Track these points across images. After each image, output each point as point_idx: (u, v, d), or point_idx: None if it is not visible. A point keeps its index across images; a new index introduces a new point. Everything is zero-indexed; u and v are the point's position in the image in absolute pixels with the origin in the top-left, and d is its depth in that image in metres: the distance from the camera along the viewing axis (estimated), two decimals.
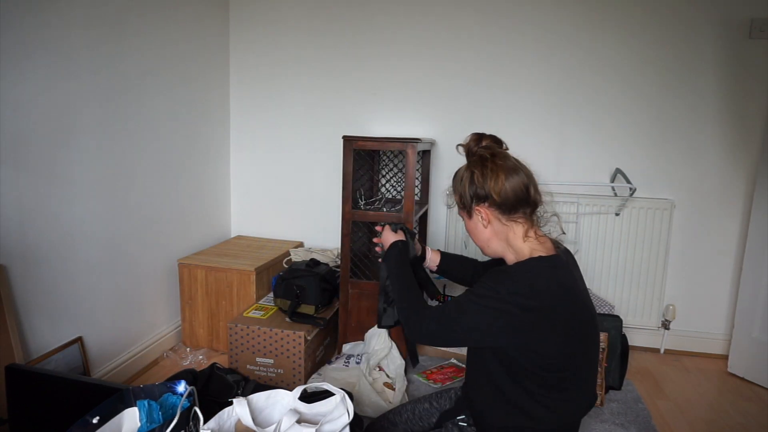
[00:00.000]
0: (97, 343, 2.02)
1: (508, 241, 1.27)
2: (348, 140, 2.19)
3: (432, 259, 1.62)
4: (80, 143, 1.88)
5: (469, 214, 1.31)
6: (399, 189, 2.71)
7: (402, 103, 2.74)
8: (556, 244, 1.29)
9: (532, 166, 2.80)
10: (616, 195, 2.54)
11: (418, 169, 2.68)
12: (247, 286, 2.37)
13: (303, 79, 2.83)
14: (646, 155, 2.53)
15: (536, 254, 1.22)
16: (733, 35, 2.38)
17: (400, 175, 2.69)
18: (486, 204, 1.26)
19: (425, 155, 2.67)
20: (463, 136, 2.81)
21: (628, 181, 2.47)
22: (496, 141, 1.35)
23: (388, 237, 1.50)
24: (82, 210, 1.91)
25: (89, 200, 1.94)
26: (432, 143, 2.69)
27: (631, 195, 2.47)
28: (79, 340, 1.91)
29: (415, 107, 2.74)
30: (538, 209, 1.30)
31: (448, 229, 2.71)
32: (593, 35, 2.50)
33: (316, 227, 2.92)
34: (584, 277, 2.58)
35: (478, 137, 1.35)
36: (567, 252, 1.31)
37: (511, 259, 1.28)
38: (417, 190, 2.69)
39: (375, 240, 1.58)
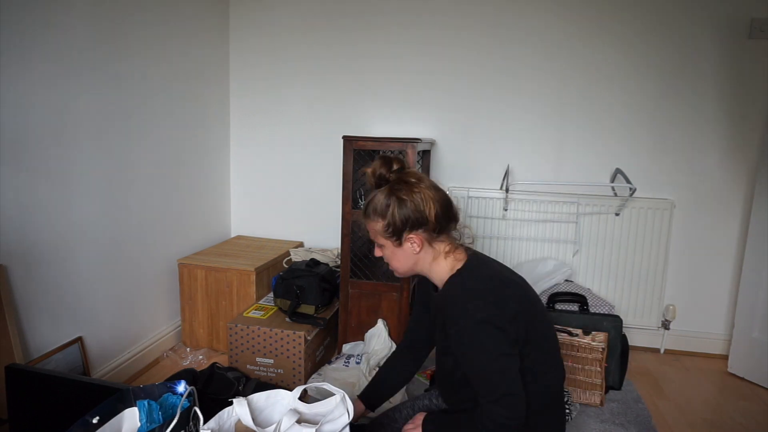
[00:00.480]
0: (97, 343, 2.02)
1: (433, 261, 1.26)
2: (348, 140, 2.19)
3: (357, 411, 1.47)
4: (80, 143, 1.88)
5: (399, 243, 1.24)
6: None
7: (402, 103, 2.74)
8: (464, 247, 1.29)
9: (532, 165, 2.80)
10: (616, 195, 2.54)
11: (417, 169, 2.68)
12: (247, 286, 2.37)
13: (303, 79, 2.83)
14: (646, 155, 2.53)
15: (456, 267, 1.23)
16: (733, 35, 2.38)
17: None
18: (421, 230, 1.22)
19: (425, 155, 2.67)
20: (464, 136, 2.83)
21: (628, 181, 2.47)
22: (402, 164, 1.28)
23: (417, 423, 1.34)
24: (82, 210, 1.91)
25: (89, 200, 1.94)
26: (432, 143, 2.69)
27: (631, 195, 2.47)
28: (79, 340, 1.91)
29: (415, 107, 2.73)
30: (458, 221, 1.29)
31: None
32: (593, 35, 2.50)
33: (316, 227, 2.92)
34: (584, 278, 2.60)
35: (387, 161, 1.27)
36: (478, 254, 1.31)
37: (436, 278, 1.27)
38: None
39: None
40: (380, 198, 1.24)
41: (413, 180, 1.23)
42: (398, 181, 1.24)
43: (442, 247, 1.25)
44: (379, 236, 1.27)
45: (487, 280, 1.21)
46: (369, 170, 1.28)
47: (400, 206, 1.21)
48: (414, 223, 1.21)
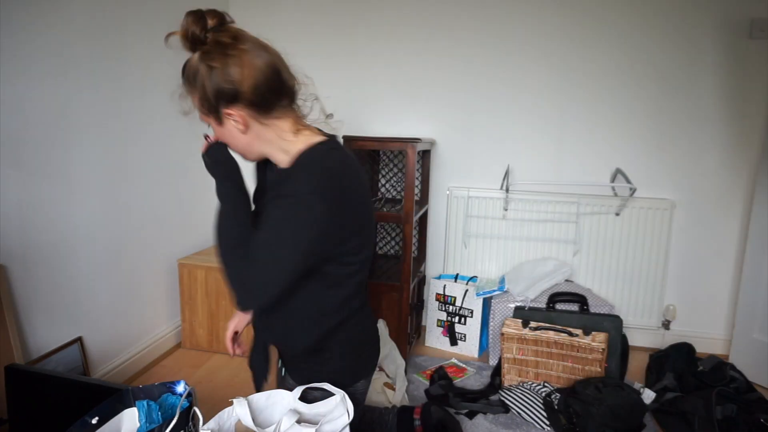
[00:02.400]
0: (97, 343, 2.02)
1: (277, 141, 1.07)
2: (348, 140, 2.19)
3: None
4: (80, 143, 1.88)
5: (219, 119, 1.05)
6: (399, 189, 2.71)
7: (402, 103, 2.74)
8: (324, 133, 1.12)
9: (532, 165, 2.80)
10: (616, 195, 2.54)
11: (418, 169, 2.67)
12: None
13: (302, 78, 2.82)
14: (646, 155, 2.53)
15: (314, 141, 1.05)
16: (733, 35, 2.37)
17: (400, 175, 2.70)
18: (238, 105, 1.00)
19: (425, 155, 2.67)
20: (464, 136, 2.83)
21: (628, 181, 2.46)
22: (221, 17, 1.02)
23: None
24: (82, 210, 1.91)
25: (89, 200, 1.94)
26: (432, 143, 2.69)
27: (631, 195, 2.47)
28: (79, 340, 1.92)
29: (415, 107, 2.73)
30: (297, 95, 1.08)
31: (448, 230, 2.71)
32: (593, 35, 2.50)
33: None
34: (584, 278, 2.59)
35: (199, 16, 0.98)
36: (336, 140, 1.11)
37: (283, 159, 1.08)
38: (417, 190, 2.69)
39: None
40: (191, 64, 1.01)
41: (228, 41, 0.98)
42: (212, 42, 0.98)
43: (285, 125, 1.06)
44: (201, 114, 1.08)
45: (338, 161, 1.03)
46: (179, 32, 0.99)
47: (210, 75, 0.97)
48: (228, 95, 0.98)
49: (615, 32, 2.48)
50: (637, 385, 2.05)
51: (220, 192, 1.15)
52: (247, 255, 1.01)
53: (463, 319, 2.50)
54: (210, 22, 0.99)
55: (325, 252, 1.03)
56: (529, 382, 2.12)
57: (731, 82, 2.41)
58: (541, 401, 1.96)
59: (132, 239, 2.19)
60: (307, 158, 1.02)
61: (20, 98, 1.63)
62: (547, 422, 1.86)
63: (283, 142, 1.06)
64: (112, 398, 1.09)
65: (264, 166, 1.22)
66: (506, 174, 2.57)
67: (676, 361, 2.19)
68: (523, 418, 1.91)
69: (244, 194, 1.14)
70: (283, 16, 2.79)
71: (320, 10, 2.75)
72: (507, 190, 2.57)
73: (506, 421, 1.92)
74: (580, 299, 2.28)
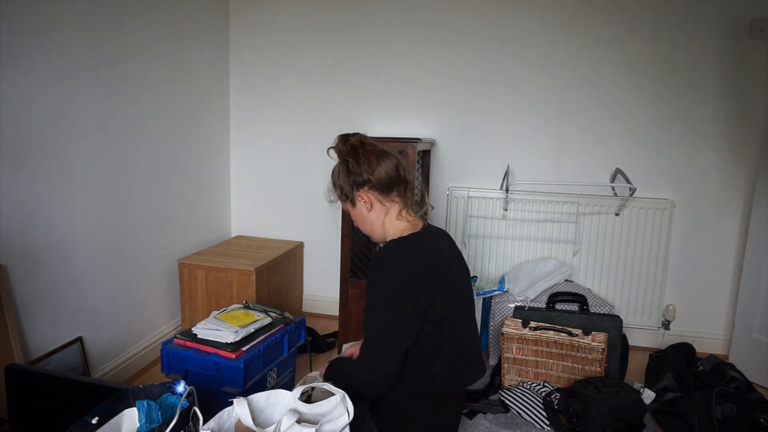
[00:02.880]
0: (97, 343, 2.02)
1: (386, 219, 1.38)
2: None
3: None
4: (80, 143, 1.88)
5: (353, 203, 1.39)
6: (412, 172, 2.70)
7: (402, 103, 2.74)
8: (426, 222, 1.42)
9: (532, 165, 2.82)
10: (616, 195, 2.54)
11: (418, 169, 2.68)
12: (247, 286, 2.37)
13: (303, 79, 2.83)
14: (646, 155, 2.53)
15: (407, 231, 1.35)
16: (733, 35, 2.38)
17: None
18: (365, 188, 1.35)
19: (425, 155, 2.67)
20: (464, 136, 2.83)
21: (628, 181, 2.46)
22: (356, 134, 1.42)
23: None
24: (82, 210, 1.91)
25: (89, 200, 1.94)
26: (432, 143, 2.69)
27: (631, 195, 2.47)
28: (79, 340, 1.92)
29: (415, 107, 2.73)
30: (408, 189, 1.40)
31: (448, 229, 2.71)
32: (593, 35, 2.50)
33: (316, 227, 2.93)
34: (584, 278, 2.60)
35: (345, 137, 1.41)
36: (434, 228, 1.44)
37: (386, 238, 1.39)
38: (417, 190, 2.69)
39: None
40: (335, 168, 1.41)
41: (357, 144, 1.36)
42: (347, 150, 1.37)
43: (394, 207, 1.37)
44: (342, 202, 1.43)
45: (410, 254, 1.30)
46: (334, 147, 1.42)
47: (345, 169, 1.36)
48: (358, 182, 1.35)
49: (615, 32, 2.48)
50: (637, 385, 2.05)
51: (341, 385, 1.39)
52: (354, 365, 1.36)
53: None
54: (352, 140, 1.39)
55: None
56: (529, 382, 2.12)
57: (731, 82, 2.41)
58: (541, 401, 1.96)
59: (132, 239, 2.19)
60: (390, 244, 1.33)
61: (20, 98, 1.63)
62: (547, 422, 1.86)
63: (389, 219, 1.38)
64: (112, 398, 1.09)
65: None
66: (506, 174, 2.57)
67: (676, 361, 2.19)
68: (523, 418, 1.91)
69: (338, 371, 1.45)
70: (283, 15, 2.79)
71: (320, 9, 2.75)
72: (507, 190, 2.57)
73: (506, 421, 1.92)
74: (580, 299, 2.28)
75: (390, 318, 1.24)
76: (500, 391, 2.06)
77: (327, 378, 1.44)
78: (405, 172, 1.39)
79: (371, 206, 1.37)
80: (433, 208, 1.47)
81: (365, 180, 1.34)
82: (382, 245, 1.37)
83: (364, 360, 1.28)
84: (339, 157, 1.41)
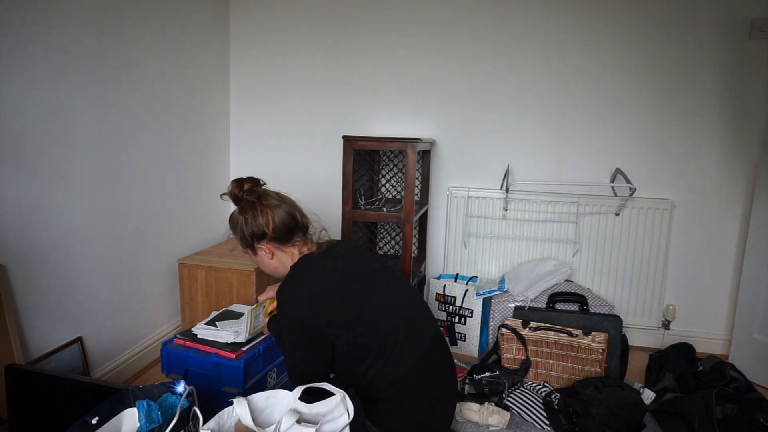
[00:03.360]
0: (97, 343, 2.02)
1: (290, 261, 1.48)
2: (348, 140, 2.19)
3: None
4: (80, 143, 1.88)
5: (254, 251, 1.50)
6: (399, 189, 2.71)
7: (402, 103, 2.74)
8: (321, 245, 1.50)
9: (532, 165, 2.81)
10: (616, 195, 2.54)
11: (418, 169, 2.68)
12: (247, 287, 2.37)
13: (303, 79, 2.83)
14: (646, 155, 2.53)
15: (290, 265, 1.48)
16: (733, 35, 2.38)
17: (400, 175, 2.69)
18: (265, 240, 1.46)
19: (425, 155, 2.67)
20: (464, 136, 2.83)
21: (628, 181, 2.46)
22: (255, 182, 1.51)
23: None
24: (81, 210, 1.91)
25: (89, 200, 1.94)
26: (432, 143, 2.69)
27: (631, 195, 2.47)
28: (79, 340, 1.92)
29: (415, 107, 2.73)
30: (310, 229, 1.52)
31: (448, 230, 2.71)
32: (594, 35, 2.50)
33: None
34: (584, 278, 2.59)
35: (239, 183, 1.50)
36: (330, 244, 1.52)
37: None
38: (417, 190, 2.69)
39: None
40: (234, 216, 1.49)
41: (254, 199, 1.45)
42: (245, 201, 1.47)
43: (294, 250, 1.49)
44: (242, 247, 1.52)
45: (306, 276, 1.40)
46: (227, 193, 1.52)
47: (245, 223, 1.45)
48: (258, 235, 1.45)
49: (615, 32, 2.48)
50: (637, 385, 2.05)
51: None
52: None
53: (463, 319, 2.50)
54: (246, 185, 1.49)
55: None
56: (529, 382, 2.12)
57: (731, 82, 2.41)
58: (541, 401, 1.96)
59: (132, 239, 2.19)
60: (284, 282, 1.43)
61: (20, 98, 1.63)
62: (547, 422, 1.86)
63: (289, 264, 1.48)
64: (112, 398, 1.09)
65: None
66: (506, 174, 2.57)
67: (676, 361, 2.19)
68: (523, 418, 1.91)
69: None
70: (283, 15, 2.79)
71: (320, 10, 2.75)
72: (507, 190, 2.57)
73: None
74: (580, 299, 2.29)
75: (303, 348, 1.37)
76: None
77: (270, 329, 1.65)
78: (303, 218, 1.50)
79: (272, 255, 1.48)
80: (327, 231, 1.60)
81: (264, 234, 1.44)
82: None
83: (292, 377, 1.42)
84: (235, 203, 1.50)
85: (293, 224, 1.47)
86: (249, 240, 1.47)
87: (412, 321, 1.45)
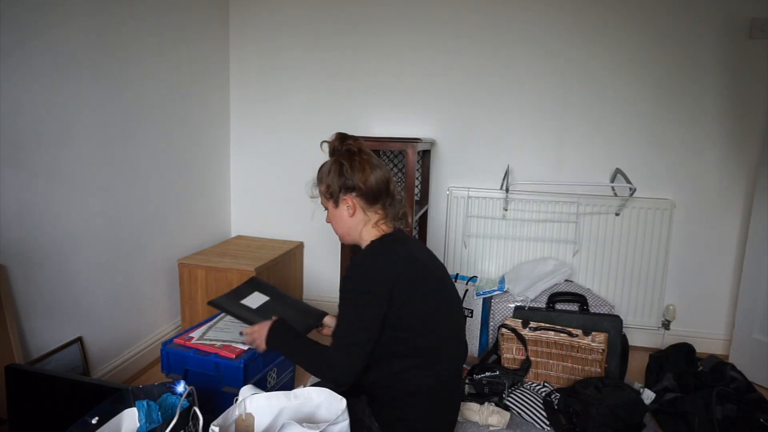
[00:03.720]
0: (97, 343, 2.02)
1: (363, 228, 1.42)
2: None
3: (328, 325, 1.74)
4: (80, 143, 1.88)
5: (336, 203, 1.42)
6: (399, 189, 2.71)
7: (402, 103, 2.74)
8: (396, 227, 1.46)
9: (532, 165, 2.81)
10: (616, 195, 2.54)
11: (418, 169, 2.68)
12: None
13: (303, 79, 2.83)
14: (646, 155, 2.53)
15: (376, 236, 1.40)
16: (733, 35, 2.37)
17: (400, 175, 2.69)
18: (354, 194, 1.38)
19: (425, 155, 2.67)
20: (464, 136, 2.83)
21: (628, 181, 2.46)
22: (354, 138, 1.45)
23: (261, 333, 1.54)
24: (82, 210, 1.91)
25: (89, 200, 1.94)
26: (432, 143, 2.69)
27: (631, 195, 2.47)
28: (79, 340, 1.92)
29: (415, 107, 2.73)
30: (395, 203, 1.45)
31: (448, 229, 2.71)
32: (594, 35, 2.50)
33: (316, 227, 2.92)
34: (584, 278, 2.59)
35: (343, 137, 1.44)
36: (403, 232, 1.48)
37: (363, 243, 1.43)
38: (417, 190, 2.69)
39: (245, 341, 1.64)
40: (326, 165, 1.43)
41: (355, 150, 1.40)
42: (344, 151, 1.41)
43: (374, 217, 1.41)
44: (323, 199, 1.45)
45: (389, 252, 1.35)
46: (329, 142, 1.46)
47: (338, 171, 1.38)
48: (348, 187, 1.38)
49: (615, 32, 2.48)
50: (637, 385, 2.05)
51: (285, 354, 1.54)
52: (316, 354, 1.37)
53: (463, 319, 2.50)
54: (349, 141, 1.43)
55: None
56: (529, 382, 2.12)
57: (731, 82, 2.41)
58: (541, 401, 1.96)
59: (132, 239, 2.19)
60: (363, 250, 1.38)
61: (20, 98, 1.63)
62: (547, 422, 1.86)
63: (366, 228, 1.42)
64: (112, 398, 1.09)
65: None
66: (506, 174, 2.57)
67: (676, 362, 2.19)
68: (523, 418, 1.91)
69: (292, 344, 1.48)
70: (283, 16, 2.79)
71: (320, 9, 2.75)
72: (507, 190, 2.57)
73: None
74: (580, 299, 2.28)
75: (364, 317, 1.28)
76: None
77: (270, 344, 1.50)
78: (394, 188, 1.45)
79: (353, 212, 1.40)
80: (406, 215, 1.53)
81: (355, 186, 1.37)
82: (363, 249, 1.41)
83: (337, 352, 1.31)
84: (332, 154, 1.44)
85: (385, 189, 1.41)
86: (336, 190, 1.39)
87: (458, 338, 1.44)
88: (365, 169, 1.37)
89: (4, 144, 1.59)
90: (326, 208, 1.46)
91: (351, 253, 2.27)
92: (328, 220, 1.48)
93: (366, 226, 1.41)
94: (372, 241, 1.39)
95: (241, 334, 1.64)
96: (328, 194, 1.42)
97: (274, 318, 1.57)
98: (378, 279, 1.28)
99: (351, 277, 1.31)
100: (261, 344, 1.54)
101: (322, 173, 1.43)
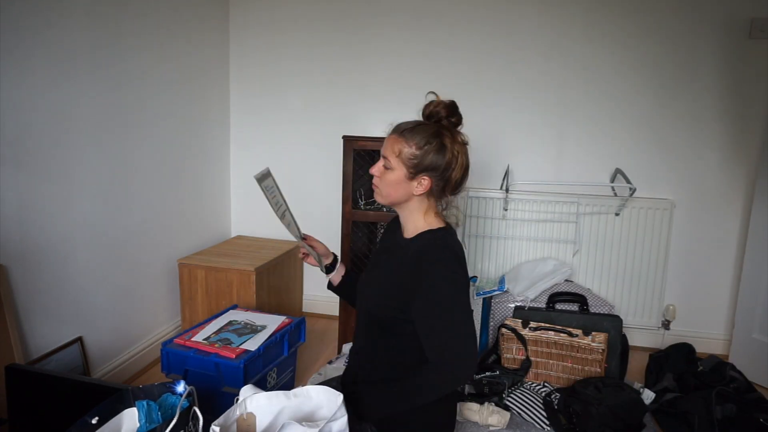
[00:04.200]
0: (97, 343, 2.02)
1: (419, 208, 1.29)
2: (348, 140, 2.19)
3: (338, 273, 1.56)
4: (80, 143, 1.88)
5: (412, 177, 1.24)
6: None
7: (402, 104, 2.74)
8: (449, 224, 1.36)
9: (532, 165, 2.80)
10: (616, 195, 2.54)
11: None
12: (247, 286, 2.37)
13: (303, 79, 2.83)
14: (646, 155, 2.53)
15: (436, 226, 1.28)
16: (733, 35, 2.37)
17: None
18: (435, 179, 1.24)
19: None
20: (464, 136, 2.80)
21: (628, 181, 2.46)
22: (460, 118, 1.31)
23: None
24: (82, 210, 1.91)
25: (89, 200, 1.94)
26: None
27: (631, 195, 2.47)
28: (79, 340, 1.92)
29: (415, 107, 2.71)
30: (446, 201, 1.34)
31: None
32: (593, 34, 2.50)
33: (316, 227, 2.92)
34: (584, 278, 2.59)
35: (453, 109, 1.28)
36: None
37: (409, 230, 1.31)
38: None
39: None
40: (428, 130, 1.24)
41: (459, 138, 1.26)
42: (450, 128, 1.26)
43: (435, 204, 1.31)
44: (398, 159, 1.24)
45: (461, 249, 1.28)
46: (434, 101, 1.30)
47: (438, 149, 1.22)
48: (436, 169, 1.23)
49: (615, 32, 2.48)
50: (636, 385, 2.05)
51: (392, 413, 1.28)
52: (426, 377, 1.19)
53: None
54: (454, 119, 1.27)
55: None
56: (529, 382, 2.12)
57: (731, 82, 2.41)
58: (541, 401, 1.96)
59: (132, 239, 2.19)
60: (440, 241, 1.25)
61: (20, 98, 1.63)
62: (547, 422, 1.86)
63: (423, 211, 1.30)
64: (112, 398, 1.09)
65: (393, 227, 1.43)
66: (506, 174, 2.57)
67: (676, 362, 2.19)
68: (523, 418, 1.91)
69: (393, 405, 1.25)
70: (283, 15, 2.79)
71: (320, 9, 2.75)
72: (507, 190, 2.57)
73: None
74: (580, 299, 2.28)
75: (466, 304, 1.20)
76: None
77: (375, 412, 1.24)
78: (464, 183, 1.32)
79: (422, 192, 1.26)
80: (457, 208, 1.43)
81: (447, 177, 1.25)
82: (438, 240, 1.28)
83: (459, 346, 1.16)
84: (428, 118, 1.28)
85: (462, 184, 1.29)
86: (424, 165, 1.22)
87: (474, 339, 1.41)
88: (462, 165, 1.25)
89: (4, 144, 1.59)
90: (388, 166, 1.26)
91: (351, 253, 2.27)
92: (379, 176, 1.29)
93: (423, 209, 1.29)
94: (441, 228, 1.29)
95: (303, 239, 1.47)
96: (411, 163, 1.22)
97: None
98: (462, 269, 1.22)
99: (447, 257, 1.20)
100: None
101: (416, 137, 1.23)
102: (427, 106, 1.30)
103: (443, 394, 1.21)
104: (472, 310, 1.22)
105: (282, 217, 1.30)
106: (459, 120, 1.28)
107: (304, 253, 1.38)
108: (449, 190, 1.28)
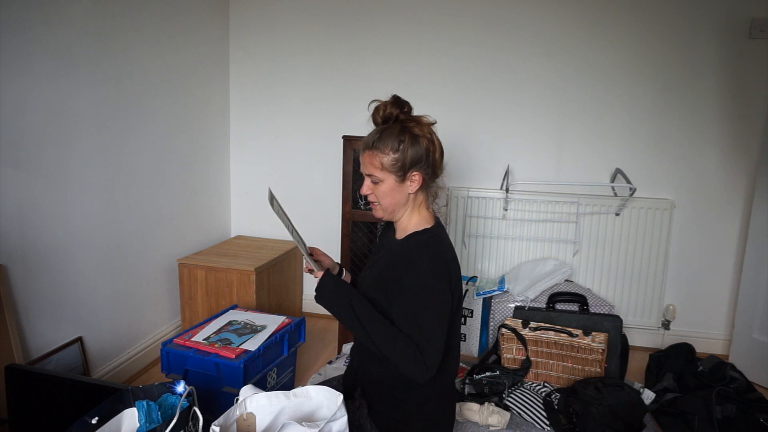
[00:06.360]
0: (97, 343, 2.02)
1: (412, 206, 1.31)
2: (348, 140, 2.19)
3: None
4: (80, 143, 1.88)
5: (402, 179, 1.26)
6: None
7: None
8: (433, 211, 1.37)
9: (532, 165, 2.81)
10: (616, 195, 2.54)
11: None
12: (247, 286, 2.37)
13: (303, 80, 2.83)
14: (646, 155, 2.53)
15: (423, 226, 1.29)
16: (733, 35, 2.37)
17: None
18: (423, 170, 1.26)
19: None
20: (464, 136, 2.82)
21: (628, 181, 2.46)
22: (410, 108, 1.34)
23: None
24: (82, 210, 1.91)
25: (89, 200, 1.94)
26: None
27: (631, 195, 2.47)
28: (79, 340, 1.92)
29: (415, 107, 2.72)
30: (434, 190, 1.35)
31: (448, 229, 2.71)
32: (594, 34, 2.50)
33: (316, 227, 2.92)
34: (584, 278, 2.60)
35: (400, 102, 1.30)
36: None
37: (399, 224, 1.33)
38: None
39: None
40: (393, 132, 1.25)
41: (425, 121, 1.28)
42: (410, 119, 1.28)
43: (426, 197, 1.32)
44: (383, 170, 1.25)
45: (446, 250, 1.28)
46: (380, 105, 1.30)
47: (413, 143, 1.24)
48: (420, 161, 1.25)
49: (615, 32, 2.48)
50: (637, 385, 2.05)
51: (344, 321, 1.27)
52: (394, 338, 1.19)
53: (463, 319, 2.50)
54: (406, 108, 1.30)
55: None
56: (529, 382, 2.12)
57: (731, 82, 2.41)
58: (541, 401, 1.96)
59: (132, 239, 2.19)
60: (423, 245, 1.25)
61: (20, 98, 1.63)
62: (547, 422, 1.86)
63: (414, 209, 1.31)
64: (112, 398, 1.09)
65: (389, 225, 1.44)
66: (506, 174, 2.57)
67: (676, 362, 2.19)
68: (523, 418, 1.91)
69: (358, 311, 1.24)
70: (283, 15, 2.79)
71: (320, 9, 2.75)
72: (507, 190, 2.57)
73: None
74: (580, 299, 2.29)
75: (441, 309, 1.19)
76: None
77: (332, 298, 1.26)
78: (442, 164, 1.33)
79: (417, 188, 1.27)
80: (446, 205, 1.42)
81: (431, 162, 1.26)
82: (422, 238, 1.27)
83: (433, 353, 1.17)
84: (385, 122, 1.29)
85: (442, 163, 1.30)
86: (408, 163, 1.23)
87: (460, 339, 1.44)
88: (438, 145, 1.27)
89: (5, 144, 1.59)
90: (375, 181, 1.27)
91: (351, 253, 2.27)
92: (372, 192, 1.29)
93: (420, 208, 1.31)
94: (427, 230, 1.28)
95: (311, 255, 1.39)
96: (397, 167, 1.24)
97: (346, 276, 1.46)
98: (445, 274, 1.21)
99: (423, 268, 1.19)
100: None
101: (390, 142, 1.24)
102: (377, 112, 1.31)
103: (393, 363, 1.18)
104: (446, 318, 1.22)
105: (291, 234, 1.31)
106: (410, 107, 1.31)
107: (309, 269, 1.36)
108: (439, 171, 1.31)
